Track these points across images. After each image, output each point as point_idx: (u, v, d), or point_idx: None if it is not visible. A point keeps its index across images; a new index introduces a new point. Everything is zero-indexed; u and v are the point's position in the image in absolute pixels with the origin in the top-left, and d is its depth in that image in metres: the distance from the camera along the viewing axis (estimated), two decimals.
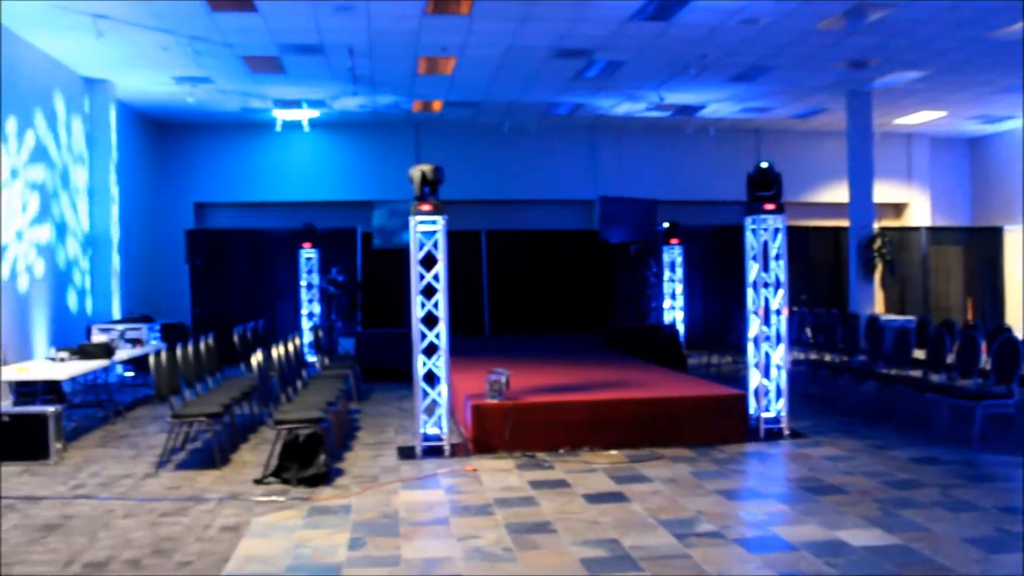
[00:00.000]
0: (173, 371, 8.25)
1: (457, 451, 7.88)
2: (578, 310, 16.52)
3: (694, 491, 6.58)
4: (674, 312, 15.73)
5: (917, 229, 17.91)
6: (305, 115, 14.27)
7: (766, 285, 8.73)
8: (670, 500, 6.34)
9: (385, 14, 10.09)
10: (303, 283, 14.41)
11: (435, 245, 7.73)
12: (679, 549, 5.22)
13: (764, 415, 8.56)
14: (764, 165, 8.78)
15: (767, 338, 8.69)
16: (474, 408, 7.97)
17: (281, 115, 13.97)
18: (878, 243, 14.83)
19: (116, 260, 12.93)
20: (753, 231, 8.78)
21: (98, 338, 10.40)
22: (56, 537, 5.69)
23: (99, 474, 7.44)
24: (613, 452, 7.85)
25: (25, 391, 9.22)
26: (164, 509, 6.31)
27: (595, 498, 6.41)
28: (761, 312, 8.70)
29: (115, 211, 12.91)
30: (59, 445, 7.94)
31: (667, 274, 15.87)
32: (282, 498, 6.55)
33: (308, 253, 14.40)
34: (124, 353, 10.30)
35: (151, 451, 8.29)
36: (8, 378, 8.80)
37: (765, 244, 8.73)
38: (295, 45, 11.35)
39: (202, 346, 9.37)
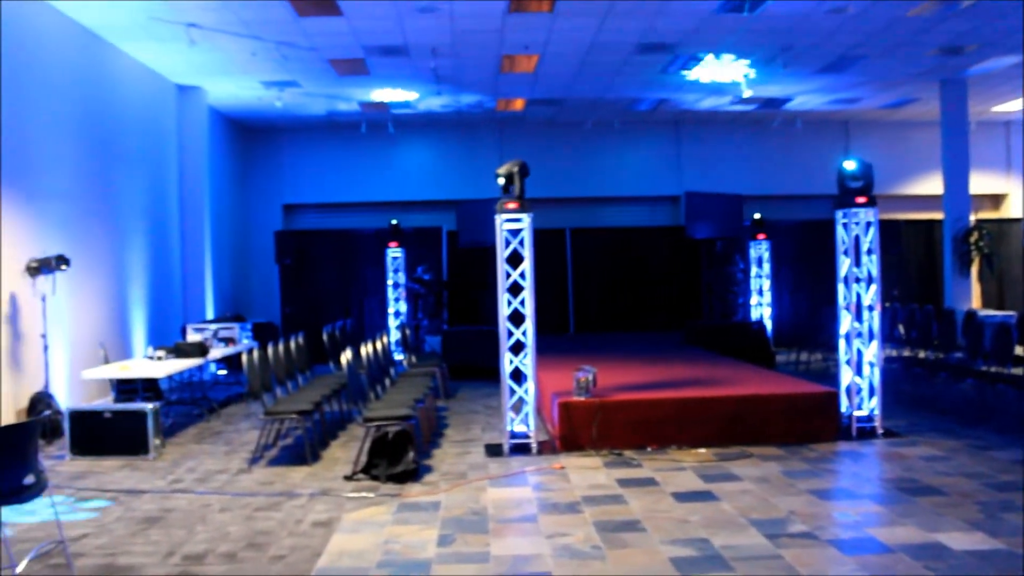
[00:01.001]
0: (265, 369, 8.43)
1: (544, 448, 7.89)
2: (664, 307, 16.42)
3: (785, 490, 6.46)
4: (761, 308, 15.49)
5: (1017, 221, 17.28)
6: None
7: (857, 280, 8.52)
8: (761, 499, 6.23)
9: (468, 14, 10.15)
10: (390, 282, 14.58)
11: (521, 243, 7.74)
12: (771, 550, 5.13)
13: (856, 413, 8.35)
14: (854, 157, 8.58)
15: (859, 334, 8.49)
16: (561, 406, 7.96)
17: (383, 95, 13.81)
18: (975, 236, 14.36)
19: (208, 261, 13.28)
20: (844, 225, 8.58)
21: (193, 337, 10.68)
22: (156, 530, 5.88)
23: (195, 469, 7.66)
24: (701, 450, 7.76)
25: (125, 388, 9.53)
26: (258, 504, 6.46)
27: (684, 497, 6.35)
28: (853, 308, 8.50)
29: (207, 214, 13.27)
30: (157, 441, 8.19)
31: (754, 270, 15.63)
32: (372, 494, 6.64)
33: (394, 252, 14.56)
34: (217, 352, 10.56)
35: (244, 447, 8.49)
36: (110, 376, 9.10)
37: (857, 238, 8.53)
38: (379, 47, 11.49)
39: (292, 345, 9.55)
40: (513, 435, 7.89)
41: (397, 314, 14.67)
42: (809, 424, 8.14)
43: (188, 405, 10.71)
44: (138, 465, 7.82)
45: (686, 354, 12.01)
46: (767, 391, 8.59)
